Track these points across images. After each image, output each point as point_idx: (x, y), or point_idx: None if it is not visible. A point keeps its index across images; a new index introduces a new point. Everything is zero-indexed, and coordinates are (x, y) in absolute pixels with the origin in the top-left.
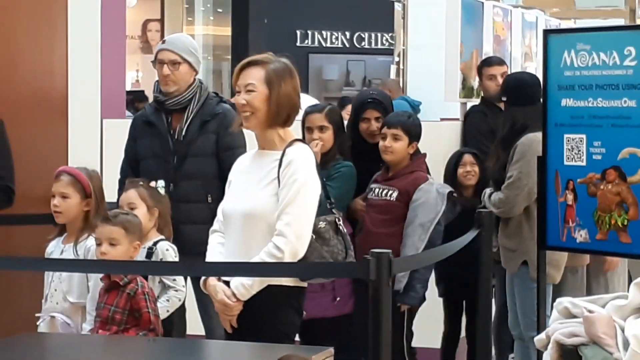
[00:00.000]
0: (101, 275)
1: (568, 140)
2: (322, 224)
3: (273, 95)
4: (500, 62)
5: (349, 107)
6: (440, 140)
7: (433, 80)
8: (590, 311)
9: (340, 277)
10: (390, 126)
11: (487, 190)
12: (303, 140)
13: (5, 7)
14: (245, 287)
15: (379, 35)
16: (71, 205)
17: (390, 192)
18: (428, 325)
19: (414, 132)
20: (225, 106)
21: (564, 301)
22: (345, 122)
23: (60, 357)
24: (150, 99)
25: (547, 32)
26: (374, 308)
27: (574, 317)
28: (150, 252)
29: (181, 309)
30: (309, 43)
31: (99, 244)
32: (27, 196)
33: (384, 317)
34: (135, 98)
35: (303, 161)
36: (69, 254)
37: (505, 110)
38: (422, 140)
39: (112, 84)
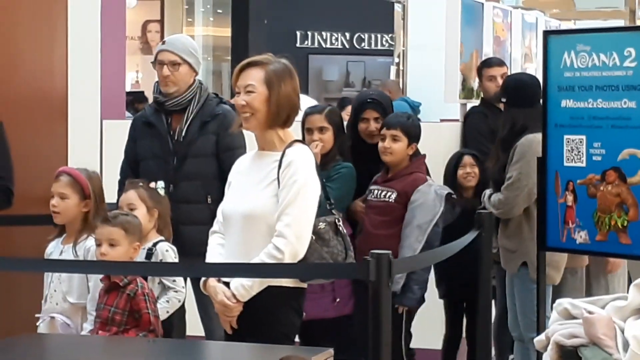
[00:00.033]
0: (101, 276)
1: (568, 141)
2: (322, 225)
3: (273, 96)
4: (500, 63)
5: (349, 108)
6: (440, 141)
7: (433, 81)
8: (590, 312)
9: (340, 278)
10: (390, 127)
11: (487, 191)
12: (303, 141)
13: (5, 8)
14: (245, 288)
15: (379, 36)
16: (70, 205)
17: (389, 193)
18: (428, 326)
19: (413, 133)
20: (225, 107)
21: (563, 302)
22: (345, 123)
23: (60, 358)
24: (150, 100)
25: (547, 33)
26: (374, 309)
27: (574, 318)
28: (150, 253)
29: (181, 310)
30: (309, 44)
31: (98, 245)
32: (27, 197)
33: (383, 318)
34: (135, 99)
35: (303, 162)
36: (68, 255)
37: (505, 111)
38: (422, 142)
39: (112, 85)
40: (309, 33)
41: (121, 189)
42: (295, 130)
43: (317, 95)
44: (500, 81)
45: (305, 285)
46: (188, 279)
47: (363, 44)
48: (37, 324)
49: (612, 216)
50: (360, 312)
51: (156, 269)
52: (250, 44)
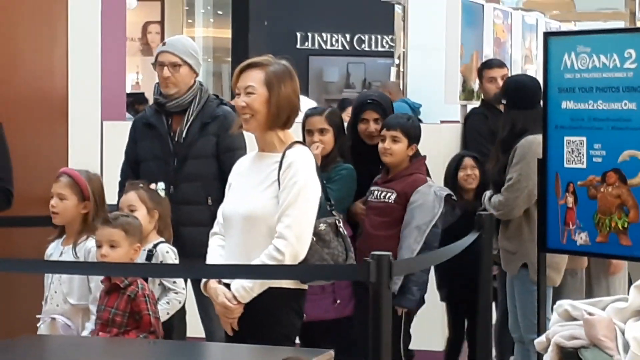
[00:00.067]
0: (102, 277)
1: (568, 143)
2: (322, 226)
3: (273, 97)
4: (501, 64)
5: (350, 109)
6: (440, 142)
7: (433, 83)
8: (590, 314)
9: (341, 279)
10: (390, 128)
11: (487, 193)
12: (303, 142)
13: (5, 9)
14: (245, 289)
15: (379, 37)
16: (68, 206)
17: (388, 194)
18: (428, 327)
19: (413, 134)
20: (225, 108)
21: (564, 304)
22: (346, 124)
23: (61, 359)
24: (151, 101)
25: (547, 35)
26: (374, 310)
27: (574, 319)
28: (150, 255)
29: (181, 311)
30: (309, 45)
31: (99, 246)
32: (27, 198)
33: (384, 319)
34: (135, 100)
35: (303, 163)
36: (68, 256)
37: (505, 113)
38: (422, 143)
39: (112, 86)
40: (309, 34)
41: (121, 190)
42: (295, 131)
43: (317, 96)
44: (500, 82)
45: (306, 286)
46: (188, 280)
47: (363, 45)
48: (38, 325)
49: (612, 218)
50: (360, 313)
51: (156, 270)
52: (250, 45)
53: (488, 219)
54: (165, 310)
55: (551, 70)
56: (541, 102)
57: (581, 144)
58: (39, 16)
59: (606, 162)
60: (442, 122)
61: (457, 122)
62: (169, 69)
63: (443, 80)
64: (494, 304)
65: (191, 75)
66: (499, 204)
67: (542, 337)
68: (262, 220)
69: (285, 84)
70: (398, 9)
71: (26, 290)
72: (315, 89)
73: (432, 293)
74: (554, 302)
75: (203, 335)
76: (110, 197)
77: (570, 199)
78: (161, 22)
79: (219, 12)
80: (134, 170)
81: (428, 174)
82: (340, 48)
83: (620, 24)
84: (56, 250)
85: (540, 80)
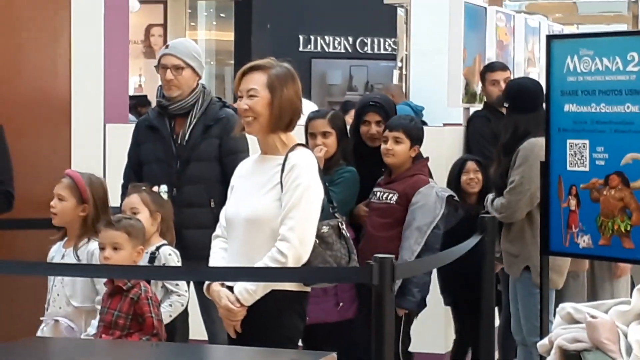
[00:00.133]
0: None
1: (571, 146)
2: (325, 229)
3: (275, 100)
4: (503, 67)
5: (352, 112)
6: (443, 145)
7: (436, 86)
8: (593, 317)
9: (343, 282)
10: (392, 129)
11: (490, 196)
12: (305, 144)
13: (8, 13)
14: (249, 292)
15: (382, 40)
16: (66, 208)
17: (390, 195)
18: (430, 330)
19: (415, 136)
20: (228, 111)
21: (566, 307)
22: (348, 127)
23: None
24: (153, 104)
25: (550, 38)
26: (377, 313)
27: (577, 322)
28: (152, 257)
29: (184, 314)
30: (312, 48)
31: (102, 249)
32: (30, 200)
33: (386, 321)
34: (138, 103)
35: (306, 166)
36: (69, 258)
37: (507, 116)
38: (425, 146)
39: (115, 89)
40: (312, 37)
41: (124, 193)
42: (298, 134)
43: (320, 99)
44: (503, 85)
45: (309, 289)
46: (191, 283)
47: (366, 48)
48: (41, 327)
49: (615, 220)
50: (363, 316)
51: (159, 272)
52: (253, 48)
53: (490, 221)
54: (167, 312)
55: (554, 73)
56: (543, 105)
57: (584, 146)
58: (41, 19)
59: (609, 165)
60: (445, 124)
61: (460, 125)
62: (172, 71)
63: (446, 83)
64: (497, 307)
65: (194, 77)
66: (501, 207)
67: (545, 340)
68: (264, 222)
69: (287, 86)
70: (401, 11)
71: (28, 293)
72: (318, 91)
73: (434, 295)
74: (556, 305)
75: (206, 337)
76: (113, 200)
77: (573, 202)
78: (164, 25)
79: (222, 15)
80: (137, 172)
81: (430, 176)
82: (342, 51)
83: (623, 27)
84: (58, 253)
85: (543, 83)
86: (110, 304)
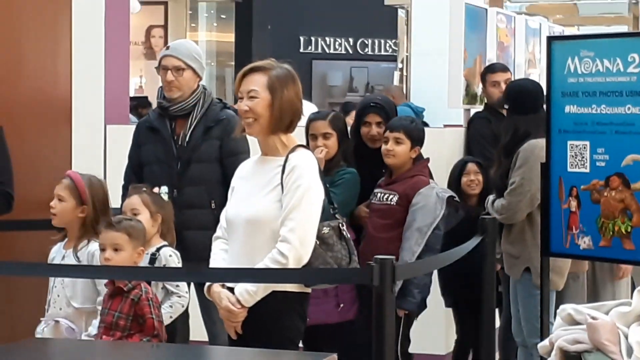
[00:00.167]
0: (106, 280)
1: (572, 147)
2: (325, 230)
3: (276, 101)
4: (504, 68)
5: (353, 113)
6: (443, 146)
7: (436, 87)
8: (593, 318)
9: (344, 283)
10: (393, 130)
11: (490, 197)
12: (305, 145)
13: (9, 14)
14: (249, 293)
15: (383, 41)
16: (65, 208)
17: (391, 196)
18: (430, 331)
19: (416, 137)
20: (229, 112)
21: (567, 308)
22: (349, 128)
23: None
24: (154, 105)
25: (550, 39)
26: (378, 314)
27: (578, 323)
28: (153, 258)
29: (184, 315)
30: (313, 49)
31: (103, 250)
32: (30, 201)
33: (387, 323)
34: (138, 104)
35: (306, 167)
36: (69, 260)
37: (508, 117)
38: (426, 147)
39: (115, 90)
40: (313, 38)
41: (125, 194)
42: (298, 135)
43: (320, 100)
44: (503, 87)
45: (309, 290)
46: (192, 284)
47: (367, 50)
48: (42, 328)
49: (615, 222)
50: (363, 317)
51: (160, 274)
52: (253, 50)
53: (491, 222)
54: (168, 314)
55: (554, 74)
56: (544, 107)
57: (584, 148)
58: (42, 20)
59: (609, 166)
60: (445, 126)
61: (461, 126)
62: (173, 72)
63: (446, 84)
64: (497, 308)
65: (194, 79)
66: (501, 208)
67: (546, 341)
68: (265, 224)
69: (288, 88)
70: (401, 13)
71: (28, 294)
72: (319, 93)
73: (434, 296)
74: (556, 306)
75: (206, 338)
76: (114, 201)
77: (573, 203)
78: (164, 26)
79: (223, 16)
80: (138, 174)
81: (431, 177)
82: (343, 52)
83: (624, 28)
84: (58, 254)
85: (544, 84)
86: (111, 305)
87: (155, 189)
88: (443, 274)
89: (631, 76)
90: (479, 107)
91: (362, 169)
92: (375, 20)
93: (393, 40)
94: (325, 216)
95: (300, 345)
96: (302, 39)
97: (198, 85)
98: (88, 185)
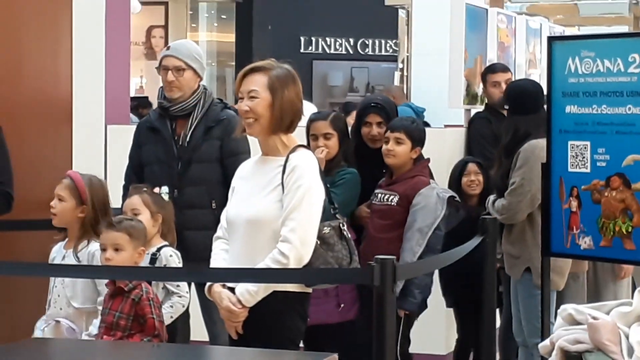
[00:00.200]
0: (106, 280)
1: (572, 147)
2: (326, 230)
3: (276, 101)
4: (505, 69)
5: (354, 113)
6: (444, 146)
7: (437, 87)
8: (594, 318)
9: (345, 283)
10: (394, 130)
11: (491, 197)
12: (306, 146)
13: (10, 14)
14: (250, 293)
15: (383, 41)
16: (65, 208)
17: (391, 197)
18: (430, 331)
19: (417, 137)
20: (229, 112)
21: (568, 308)
22: (350, 128)
23: None
24: (155, 105)
25: (551, 39)
26: (378, 314)
27: (579, 323)
28: (154, 258)
29: (185, 315)
30: (313, 49)
31: (103, 250)
32: (31, 201)
33: (388, 323)
34: (139, 104)
35: (307, 167)
36: (70, 260)
37: (508, 118)
38: (426, 147)
39: (116, 90)
40: (313, 39)
41: (125, 194)
42: (298, 135)
43: (321, 100)
44: (504, 87)
45: (310, 290)
46: (192, 284)
47: (367, 50)
48: (42, 328)
49: (616, 222)
50: (364, 317)
51: (161, 274)
52: (254, 50)
53: (492, 223)
54: (168, 313)
55: (555, 74)
56: (544, 107)
57: (585, 148)
58: (43, 20)
59: (610, 166)
60: (446, 126)
61: (461, 126)
62: (173, 73)
63: (447, 84)
64: (498, 308)
65: (195, 79)
66: (502, 208)
67: (547, 341)
68: (266, 224)
69: (288, 88)
70: (402, 13)
71: (28, 294)
72: (319, 93)
73: (435, 296)
74: (556, 306)
75: (207, 338)
76: (114, 201)
77: (574, 203)
78: (165, 27)
79: (223, 17)
80: (138, 174)
81: (432, 177)
82: (344, 52)
83: (624, 29)
84: (59, 254)
85: (544, 84)
86: (111, 305)
87: (156, 189)
88: (444, 274)
89: (632, 76)
90: (479, 108)
91: (362, 169)
92: (375, 21)
93: (394, 41)
94: (326, 216)
95: (301, 345)
96: (302, 39)
97: (199, 86)
98: (88, 185)
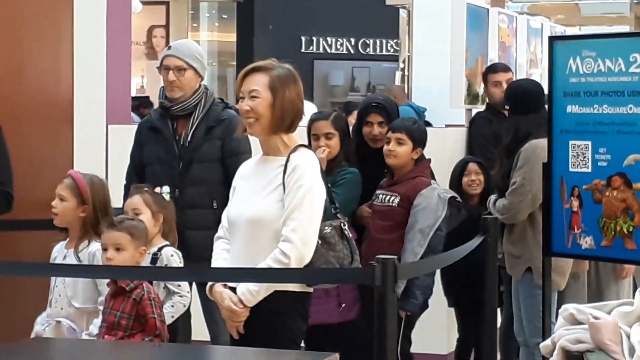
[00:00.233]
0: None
1: (573, 147)
2: (327, 229)
3: (277, 101)
4: (506, 68)
5: (355, 113)
6: (445, 146)
7: (438, 87)
8: (595, 318)
9: (346, 282)
10: (395, 130)
11: (492, 197)
12: (307, 145)
13: (11, 14)
14: (251, 293)
15: (384, 41)
16: (66, 208)
17: (392, 198)
18: (431, 331)
19: (418, 138)
20: (230, 112)
21: (569, 307)
22: (351, 128)
23: None
24: (156, 105)
25: (552, 39)
26: (379, 314)
27: (580, 323)
28: (155, 258)
29: (186, 315)
30: (314, 49)
31: (104, 249)
32: (32, 201)
33: (389, 323)
34: (140, 104)
35: (308, 166)
36: (71, 260)
37: (509, 117)
38: (427, 147)
39: (117, 90)
40: (314, 38)
41: (127, 194)
42: (300, 135)
43: (322, 100)
44: (505, 87)
45: (311, 289)
46: (194, 284)
47: (368, 50)
48: (43, 328)
49: (617, 222)
50: (365, 317)
51: (162, 273)
52: (255, 50)
53: (493, 222)
54: (169, 313)
55: (556, 74)
56: (545, 107)
57: (586, 148)
58: (44, 20)
59: (611, 166)
60: (447, 126)
61: (462, 126)
62: (174, 72)
63: (448, 84)
64: (499, 308)
65: (196, 79)
66: (503, 208)
67: (548, 341)
68: (267, 224)
69: (289, 87)
70: (403, 13)
71: (28, 294)
72: (321, 92)
73: (436, 296)
74: (557, 306)
75: (208, 338)
76: (115, 201)
77: (575, 203)
78: (166, 26)
79: (224, 16)
80: (139, 173)
81: (433, 177)
82: (345, 52)
83: (625, 28)
84: (60, 253)
85: (545, 84)
86: (112, 305)
87: (157, 189)
88: (445, 273)
89: (633, 76)
90: (480, 107)
91: (363, 169)
92: (376, 20)
93: (395, 40)
94: (327, 216)
95: (302, 345)
96: (303, 39)
97: (200, 85)
98: (89, 185)
